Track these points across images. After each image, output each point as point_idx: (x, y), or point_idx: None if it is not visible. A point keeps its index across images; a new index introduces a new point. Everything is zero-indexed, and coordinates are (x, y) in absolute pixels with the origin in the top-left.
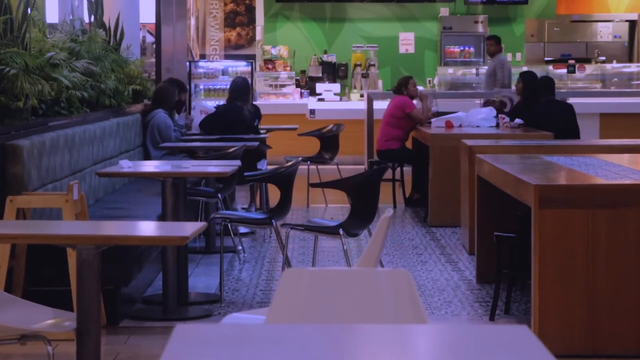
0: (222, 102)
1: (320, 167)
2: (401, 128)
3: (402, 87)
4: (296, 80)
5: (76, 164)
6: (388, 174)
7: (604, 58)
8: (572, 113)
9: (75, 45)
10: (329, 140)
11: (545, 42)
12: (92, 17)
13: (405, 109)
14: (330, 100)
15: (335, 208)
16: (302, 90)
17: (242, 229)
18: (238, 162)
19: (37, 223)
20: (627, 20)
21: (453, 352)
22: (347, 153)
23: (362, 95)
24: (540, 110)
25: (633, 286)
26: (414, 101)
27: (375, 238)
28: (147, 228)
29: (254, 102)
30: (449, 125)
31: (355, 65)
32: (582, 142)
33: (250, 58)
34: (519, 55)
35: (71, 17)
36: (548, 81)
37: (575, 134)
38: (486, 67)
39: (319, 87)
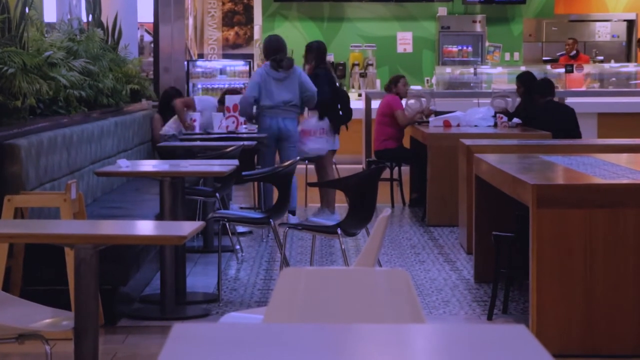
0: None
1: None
2: (393, 126)
3: (392, 85)
4: None
5: (74, 163)
6: (386, 174)
7: (602, 58)
8: (572, 115)
9: (73, 44)
10: None
11: (543, 41)
12: (90, 16)
13: (392, 107)
14: None
15: None
16: None
17: (240, 229)
18: (236, 162)
19: (35, 222)
20: (625, 20)
21: (451, 352)
22: (345, 152)
23: (360, 95)
24: (541, 111)
25: (631, 286)
26: (411, 100)
27: (373, 237)
28: (145, 227)
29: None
30: (447, 124)
31: (353, 65)
32: (580, 141)
33: (248, 57)
34: (516, 55)
35: (69, 17)
36: (547, 82)
37: (576, 136)
38: (485, 67)
39: None
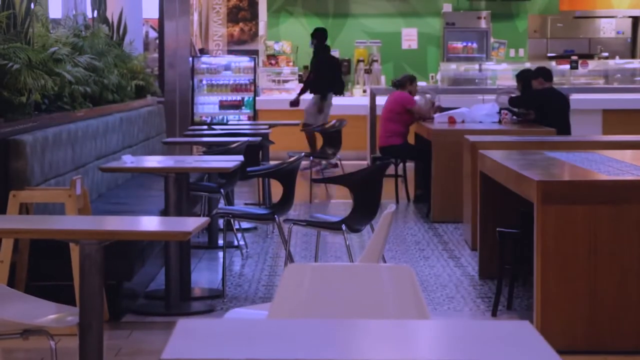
0: (226, 96)
1: (323, 162)
2: (401, 123)
3: (407, 83)
4: (299, 75)
5: (79, 159)
6: (391, 170)
7: (607, 54)
8: (567, 106)
9: (79, 40)
10: (331, 136)
11: (548, 38)
12: (95, 12)
13: (406, 105)
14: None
15: (337, 204)
16: None
17: (245, 225)
18: (241, 158)
19: (40, 218)
20: (630, 17)
21: (455, 348)
22: (349, 149)
23: (364, 91)
24: (540, 96)
25: (635, 282)
26: (416, 97)
27: (377, 234)
28: (150, 223)
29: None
30: (451, 121)
31: (358, 61)
32: (585, 138)
33: (253, 53)
34: (521, 51)
35: (74, 12)
36: (544, 69)
37: (566, 127)
38: (490, 63)
39: None
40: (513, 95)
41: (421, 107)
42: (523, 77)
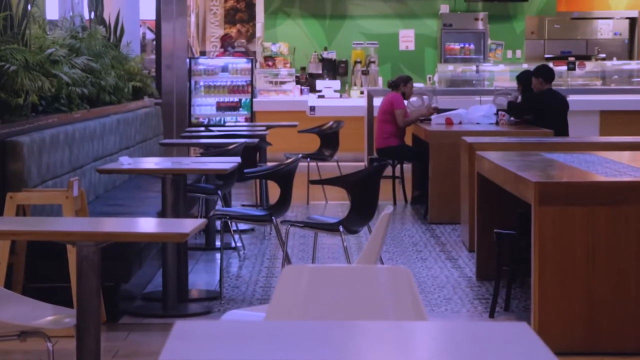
0: (224, 98)
1: (320, 164)
2: (395, 124)
3: (401, 83)
4: (296, 77)
5: (76, 160)
6: (388, 171)
7: (604, 55)
8: (566, 107)
9: (76, 41)
10: (329, 137)
11: (546, 39)
12: (92, 13)
13: (394, 106)
14: (330, 97)
15: (335, 205)
16: (302, 87)
17: (242, 226)
18: (238, 159)
19: (37, 220)
20: (627, 18)
21: (453, 349)
22: (347, 150)
23: (362, 92)
24: (539, 98)
25: (633, 283)
26: (413, 98)
27: (375, 235)
28: (147, 225)
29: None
30: (449, 122)
31: (356, 62)
32: (582, 139)
33: (250, 55)
34: (519, 53)
35: (71, 14)
36: (546, 68)
37: (564, 129)
38: (488, 65)
39: (319, 84)
40: (511, 97)
41: (401, 114)
42: (523, 78)
